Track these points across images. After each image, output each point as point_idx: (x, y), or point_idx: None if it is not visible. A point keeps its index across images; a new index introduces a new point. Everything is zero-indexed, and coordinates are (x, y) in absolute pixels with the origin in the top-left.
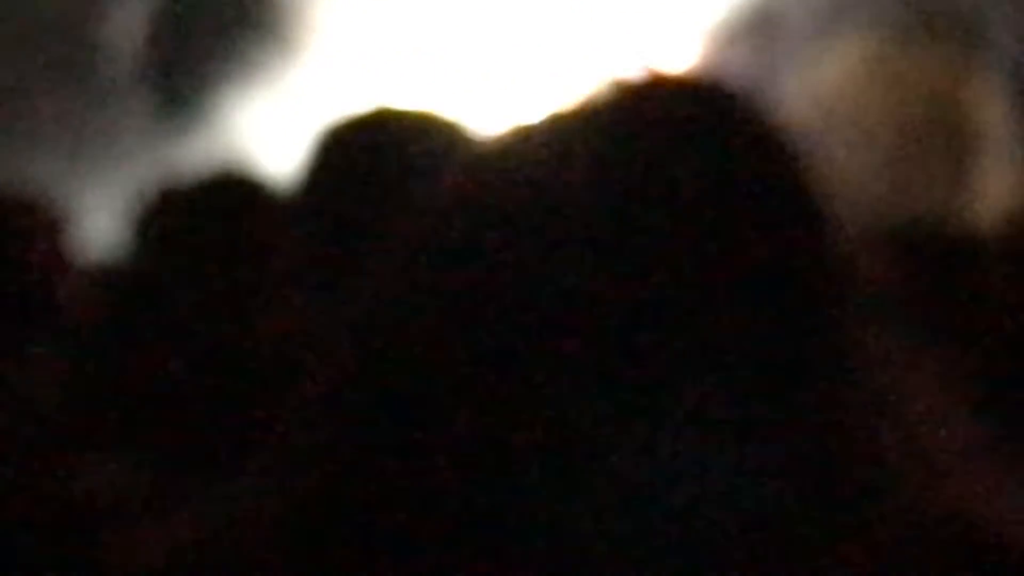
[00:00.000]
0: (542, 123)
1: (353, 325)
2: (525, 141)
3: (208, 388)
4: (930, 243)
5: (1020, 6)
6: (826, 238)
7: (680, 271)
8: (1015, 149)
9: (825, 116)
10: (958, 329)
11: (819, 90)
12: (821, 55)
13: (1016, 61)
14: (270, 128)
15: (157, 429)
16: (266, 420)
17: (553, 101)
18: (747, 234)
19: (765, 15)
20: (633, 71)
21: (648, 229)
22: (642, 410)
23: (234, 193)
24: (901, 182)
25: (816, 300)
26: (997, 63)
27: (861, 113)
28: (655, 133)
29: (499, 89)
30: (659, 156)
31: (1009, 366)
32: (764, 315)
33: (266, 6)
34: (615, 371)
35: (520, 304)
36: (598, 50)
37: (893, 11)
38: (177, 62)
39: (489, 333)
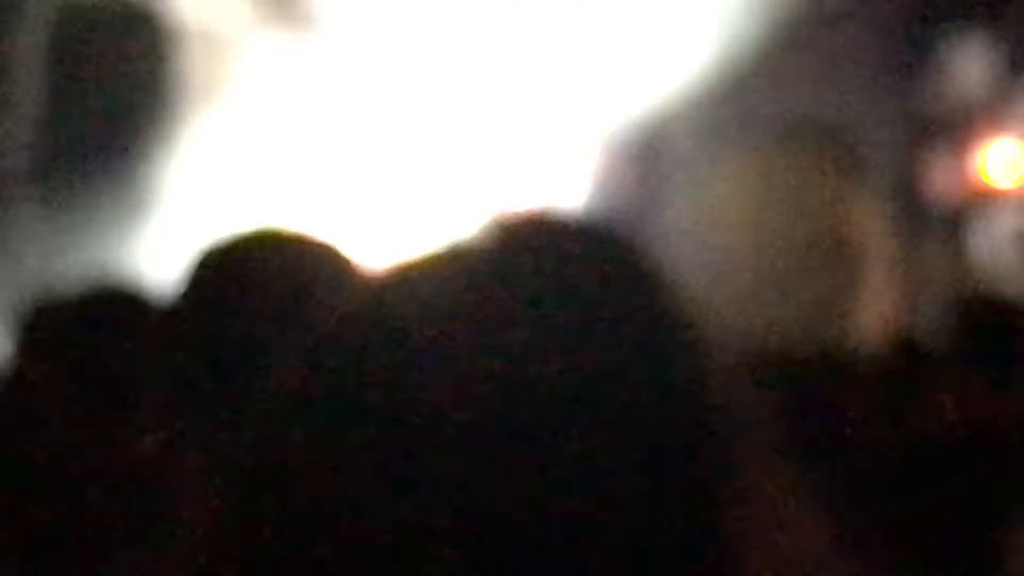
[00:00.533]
0: (424, 260)
1: (226, 448)
2: (408, 277)
3: (76, 500)
4: (809, 364)
5: (898, 127)
6: (701, 374)
7: (559, 408)
8: (892, 269)
9: (708, 237)
10: (834, 451)
11: (703, 211)
12: (704, 177)
13: (895, 181)
14: (152, 242)
15: (20, 537)
16: (134, 534)
17: (436, 237)
18: (625, 373)
19: (651, 139)
20: (517, 208)
21: (527, 368)
22: (508, 559)
23: (111, 307)
24: (782, 303)
25: (692, 432)
26: (877, 183)
27: (743, 233)
28: (537, 273)
29: (384, 221)
30: (541, 296)
31: (886, 487)
32: (641, 446)
33: (150, 117)
34: (486, 506)
35: (399, 436)
36: (485, 186)
37: (775, 131)
38: (58, 176)
39: (365, 462)
